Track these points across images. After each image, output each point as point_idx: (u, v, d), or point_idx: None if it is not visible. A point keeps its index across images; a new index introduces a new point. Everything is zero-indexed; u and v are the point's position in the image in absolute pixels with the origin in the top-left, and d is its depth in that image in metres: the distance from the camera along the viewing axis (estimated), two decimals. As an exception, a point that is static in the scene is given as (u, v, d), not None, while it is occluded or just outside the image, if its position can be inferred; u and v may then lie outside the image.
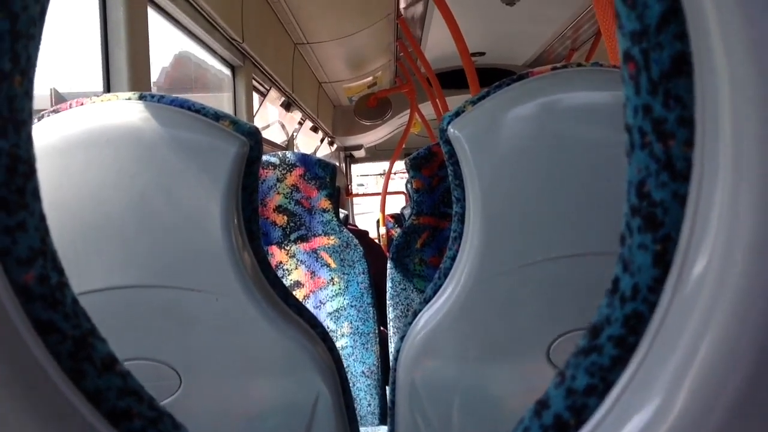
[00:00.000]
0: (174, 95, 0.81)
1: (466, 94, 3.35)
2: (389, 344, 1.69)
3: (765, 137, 0.22)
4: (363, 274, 1.63)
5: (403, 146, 5.36)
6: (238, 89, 2.72)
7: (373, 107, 5.29)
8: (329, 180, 1.62)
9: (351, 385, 1.60)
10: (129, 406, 0.32)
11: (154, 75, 1.67)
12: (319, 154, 5.40)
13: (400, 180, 9.42)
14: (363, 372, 1.61)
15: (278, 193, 1.60)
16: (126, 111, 0.78)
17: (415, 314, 0.91)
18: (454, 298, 0.86)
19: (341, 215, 1.91)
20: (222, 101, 2.76)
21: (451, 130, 0.85)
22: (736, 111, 0.22)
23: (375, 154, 7.28)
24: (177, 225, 0.77)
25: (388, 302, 1.62)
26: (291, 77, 3.62)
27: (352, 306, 1.62)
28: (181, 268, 0.78)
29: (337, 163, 6.53)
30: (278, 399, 0.84)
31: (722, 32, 0.22)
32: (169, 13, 1.92)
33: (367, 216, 8.79)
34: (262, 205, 1.61)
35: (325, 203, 1.63)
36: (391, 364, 0.98)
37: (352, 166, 7.36)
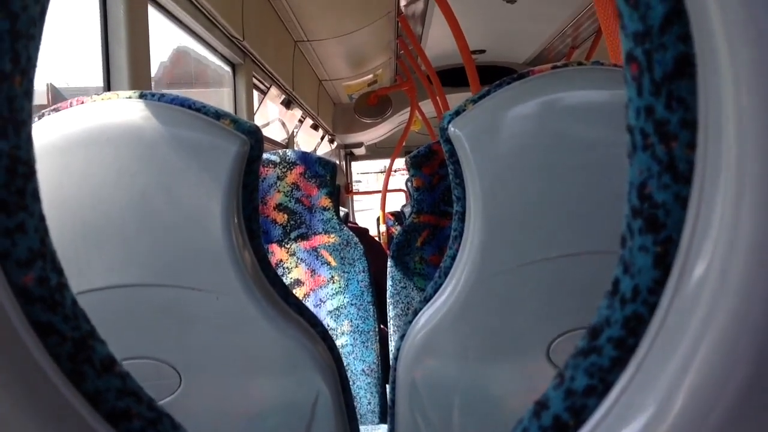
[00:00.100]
0: (174, 94, 0.81)
1: (467, 92, 3.34)
2: (389, 342, 1.69)
3: (767, 139, 0.22)
4: (363, 272, 1.63)
5: (404, 144, 5.36)
6: (238, 87, 2.72)
7: (374, 105, 5.28)
8: (329, 178, 1.62)
9: (351, 383, 1.60)
10: (128, 407, 0.32)
11: (152, 71, 1.67)
12: (320, 152, 5.40)
13: (400, 177, 9.42)
14: (363, 370, 1.61)
15: (278, 192, 1.60)
16: (126, 110, 0.78)
17: (415, 313, 0.91)
18: (454, 297, 0.86)
19: (341, 213, 1.90)
20: (222, 96, 2.76)
21: (451, 128, 0.85)
22: (740, 113, 0.22)
23: (375, 151, 7.27)
24: (177, 224, 0.77)
25: (388, 300, 1.62)
26: (291, 75, 3.61)
27: (352, 304, 1.62)
28: (182, 267, 0.78)
29: (338, 161, 6.52)
30: (278, 398, 0.84)
31: (726, 34, 0.22)
32: (169, 11, 1.92)
33: (366, 213, 8.79)
34: (262, 204, 1.61)
35: (326, 201, 1.63)
36: (391, 362, 0.98)
37: (352, 163, 7.36)
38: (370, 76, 4.99)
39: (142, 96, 0.79)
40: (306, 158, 1.61)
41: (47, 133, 0.76)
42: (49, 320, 0.29)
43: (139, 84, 1.54)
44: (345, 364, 1.55)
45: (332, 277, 1.63)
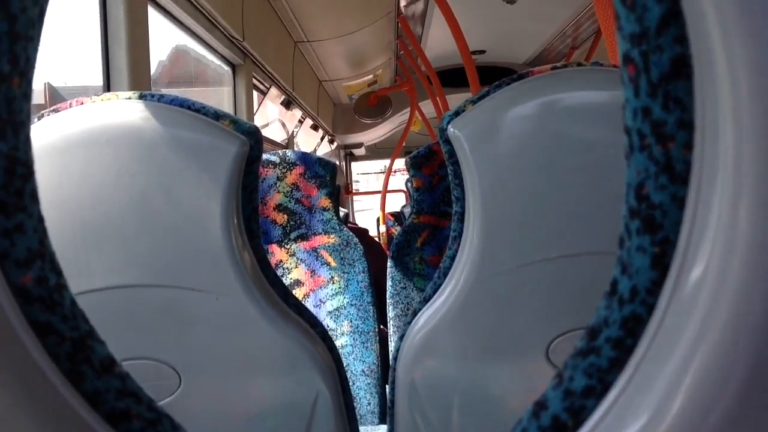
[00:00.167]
0: (174, 95, 0.81)
1: (467, 93, 3.34)
2: (389, 343, 1.69)
3: (764, 140, 0.22)
4: (363, 272, 1.63)
5: (404, 144, 5.36)
6: (238, 88, 2.72)
7: (374, 105, 5.28)
8: (329, 179, 1.62)
9: (351, 383, 1.60)
10: (128, 408, 0.32)
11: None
12: (319, 153, 5.40)
13: (400, 177, 9.41)
14: (363, 371, 1.61)
15: (278, 192, 1.60)
16: (126, 110, 0.78)
17: (415, 313, 0.91)
18: (453, 298, 0.86)
19: (341, 214, 1.91)
20: (221, 95, 2.76)
21: (450, 129, 0.85)
22: (736, 114, 0.22)
23: (375, 152, 7.27)
24: (177, 224, 0.77)
25: (388, 301, 1.62)
26: (291, 75, 3.62)
27: (352, 305, 1.62)
28: (181, 268, 0.78)
29: (337, 162, 6.52)
30: (278, 398, 0.84)
31: (722, 35, 0.22)
32: (169, 12, 1.92)
33: (366, 213, 8.78)
34: (262, 204, 1.61)
35: (325, 202, 1.63)
36: (390, 363, 0.98)
37: (351, 164, 7.36)
38: (370, 76, 4.99)
39: (141, 97, 0.80)
40: (306, 159, 1.62)
41: (47, 134, 0.76)
42: (48, 320, 0.29)
43: (139, 85, 1.54)
44: (345, 364, 1.55)
45: (332, 277, 1.63)
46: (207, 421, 0.82)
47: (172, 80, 2.58)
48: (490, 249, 0.83)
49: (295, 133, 4.34)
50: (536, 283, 0.82)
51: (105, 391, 0.31)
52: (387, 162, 5.88)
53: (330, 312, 1.62)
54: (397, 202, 6.87)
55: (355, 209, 7.51)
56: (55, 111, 0.80)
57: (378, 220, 5.53)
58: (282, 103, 3.66)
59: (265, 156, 1.57)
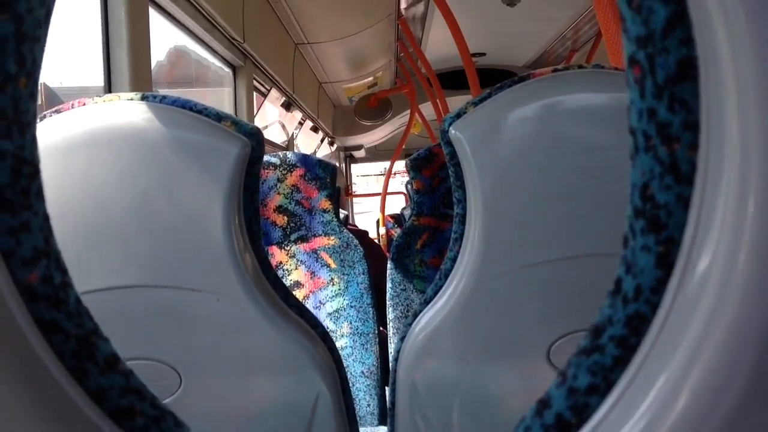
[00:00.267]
0: (176, 96, 0.81)
1: (467, 95, 3.34)
2: (389, 345, 1.69)
3: None
4: (363, 274, 1.63)
5: (404, 146, 5.36)
6: (238, 89, 2.72)
7: (374, 107, 5.29)
8: (329, 180, 1.62)
9: (351, 385, 1.60)
10: (132, 405, 0.32)
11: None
12: (319, 154, 5.40)
13: (400, 179, 9.42)
14: (362, 372, 1.61)
15: (278, 194, 1.61)
16: (128, 111, 0.78)
17: (415, 315, 0.91)
18: (454, 300, 0.86)
19: (341, 215, 1.91)
20: (221, 96, 2.76)
21: (452, 131, 0.85)
22: (742, 115, 0.22)
23: (375, 154, 7.27)
24: (178, 225, 0.77)
25: (387, 303, 1.62)
26: (291, 77, 3.62)
27: (351, 306, 1.62)
28: (183, 269, 0.78)
29: (337, 164, 6.52)
30: (278, 399, 0.84)
31: (728, 37, 0.22)
32: (170, 13, 1.92)
33: (365, 216, 8.78)
34: (262, 206, 1.61)
35: (326, 204, 1.63)
36: (390, 364, 0.98)
37: (351, 166, 7.36)
38: (370, 78, 5.00)
39: (143, 98, 0.80)
40: (306, 160, 1.62)
41: (49, 135, 0.76)
42: (53, 318, 0.29)
43: (140, 86, 1.54)
44: (345, 366, 1.55)
45: (332, 279, 1.63)
46: (207, 421, 0.82)
47: (172, 81, 2.59)
48: (491, 251, 0.83)
49: (295, 134, 4.34)
50: (537, 285, 0.82)
51: (109, 388, 0.31)
52: (386, 164, 5.88)
53: (330, 313, 1.62)
54: (397, 205, 6.88)
55: (354, 212, 7.51)
56: (58, 112, 0.80)
57: (378, 222, 5.54)
58: (282, 105, 3.66)
59: (265, 158, 1.57)
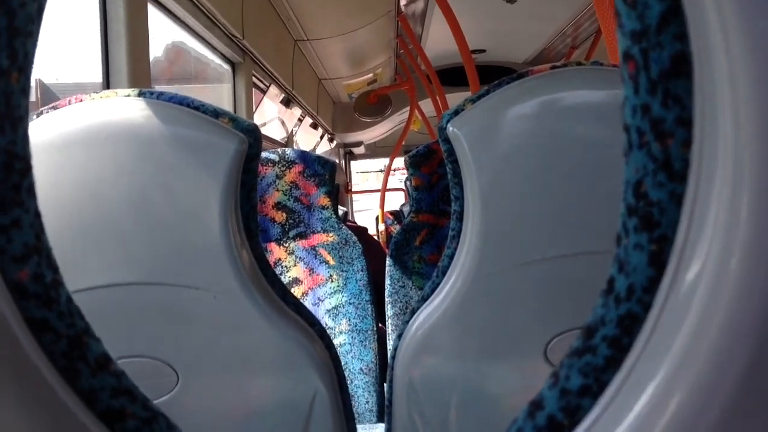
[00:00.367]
0: (173, 92, 0.81)
1: (466, 92, 3.34)
2: (387, 341, 1.69)
3: (764, 138, 0.22)
4: (362, 271, 1.63)
5: (403, 143, 5.36)
6: (238, 86, 2.72)
7: (373, 104, 5.28)
8: (328, 177, 1.62)
9: (349, 382, 1.60)
10: (123, 406, 0.32)
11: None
12: (319, 151, 5.40)
13: (400, 175, 9.40)
14: (361, 369, 1.61)
15: (277, 190, 1.60)
16: (125, 108, 0.77)
17: (413, 312, 0.91)
18: (452, 297, 0.86)
19: (341, 212, 1.91)
20: (219, 92, 2.76)
21: (450, 128, 0.85)
22: (735, 112, 0.22)
23: (375, 151, 7.27)
24: (175, 222, 0.77)
25: (386, 299, 1.62)
26: (291, 74, 3.61)
27: (350, 303, 1.62)
28: (179, 266, 0.78)
29: (337, 160, 6.52)
30: (276, 396, 0.84)
31: (722, 33, 0.22)
32: (169, 9, 1.92)
33: (365, 213, 8.77)
34: (261, 202, 1.61)
35: (324, 200, 1.63)
36: (388, 361, 0.98)
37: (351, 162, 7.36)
38: (370, 75, 4.99)
39: (141, 94, 0.79)
40: (305, 157, 1.62)
41: (46, 131, 0.76)
42: (43, 317, 0.29)
43: (139, 82, 1.54)
44: (343, 363, 1.55)
45: (331, 275, 1.63)
46: (205, 418, 0.82)
47: (171, 78, 2.58)
48: (488, 248, 0.83)
49: (294, 131, 4.34)
50: (534, 283, 0.82)
51: (100, 389, 0.31)
52: (385, 161, 5.88)
53: (328, 310, 1.62)
54: (396, 202, 6.87)
55: (354, 209, 7.51)
56: (54, 108, 0.80)
57: (377, 218, 5.53)
58: (282, 102, 3.66)
59: (264, 154, 1.57)
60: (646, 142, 0.26)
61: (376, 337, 1.63)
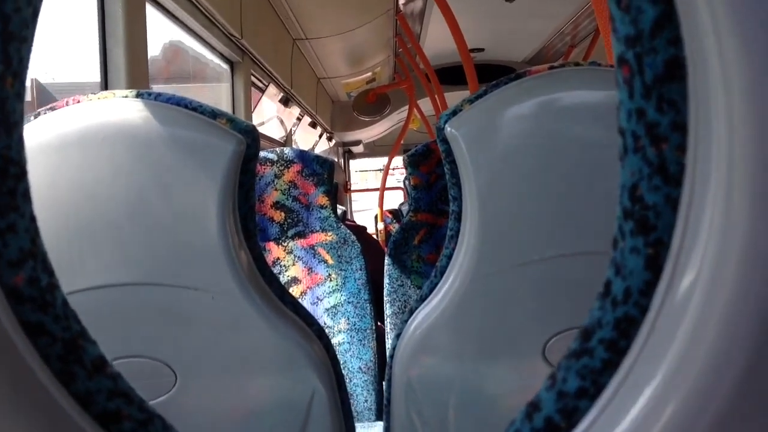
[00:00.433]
0: (171, 93, 0.81)
1: (465, 91, 3.33)
2: (386, 340, 1.69)
3: (758, 142, 0.22)
4: (360, 270, 1.63)
5: (402, 142, 5.36)
6: (236, 85, 2.72)
7: (372, 103, 5.27)
8: (327, 176, 1.62)
9: (348, 381, 1.60)
10: (119, 408, 0.32)
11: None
12: (318, 150, 5.39)
13: (399, 174, 9.40)
14: (360, 368, 1.61)
15: (276, 190, 1.60)
16: (123, 109, 0.77)
17: (411, 312, 0.91)
18: (450, 296, 0.86)
19: (339, 211, 1.91)
20: (217, 91, 2.75)
21: (448, 128, 0.85)
22: (729, 116, 0.22)
23: (373, 149, 7.26)
24: (173, 223, 0.77)
25: (385, 299, 1.62)
26: (290, 73, 3.61)
27: (349, 302, 1.62)
28: (177, 266, 0.78)
29: (336, 159, 6.52)
30: (274, 396, 0.84)
31: (716, 37, 0.22)
32: (167, 9, 1.91)
33: (364, 213, 8.76)
34: (259, 202, 1.61)
35: (323, 199, 1.63)
36: (387, 360, 0.98)
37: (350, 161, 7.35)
38: (369, 74, 4.99)
39: (138, 95, 0.79)
40: (303, 156, 1.62)
41: (43, 132, 0.76)
42: (39, 321, 0.29)
43: (137, 83, 1.53)
44: (342, 362, 1.55)
45: (329, 275, 1.63)
46: (203, 418, 0.82)
47: (168, 77, 2.58)
48: (486, 248, 0.83)
49: (293, 130, 4.34)
50: (533, 283, 0.82)
51: (96, 392, 0.31)
52: (384, 160, 5.88)
53: (327, 309, 1.62)
54: (395, 201, 6.87)
55: (353, 210, 7.50)
56: (52, 109, 0.80)
57: (376, 217, 5.53)
58: (280, 101, 3.66)
59: (262, 153, 1.57)
60: (642, 146, 0.26)
61: (374, 336, 1.64)
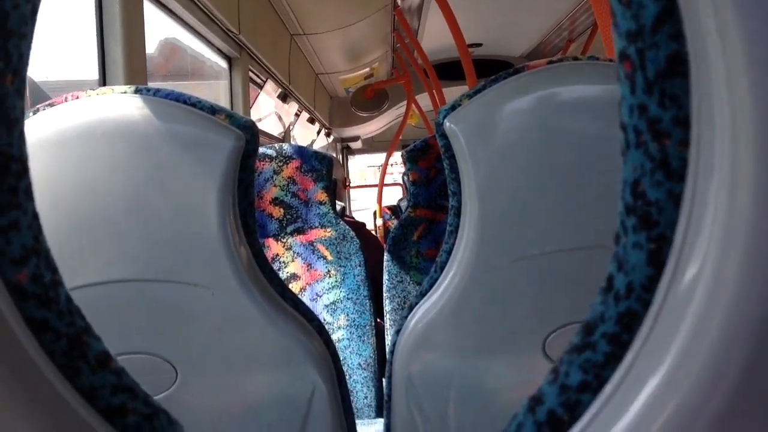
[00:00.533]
0: (170, 89, 0.81)
1: (463, 86, 3.33)
2: (386, 336, 1.69)
3: (760, 137, 0.22)
4: (359, 266, 1.63)
5: (400, 138, 5.35)
6: (234, 81, 2.71)
7: (370, 98, 5.27)
8: (326, 172, 1.62)
9: (348, 377, 1.60)
10: (124, 403, 0.32)
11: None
12: (316, 146, 5.39)
13: (397, 173, 9.37)
14: (360, 364, 1.61)
15: (275, 186, 1.60)
16: (121, 104, 0.77)
17: (411, 308, 0.91)
18: (450, 292, 0.86)
19: (338, 207, 1.91)
20: (215, 88, 2.75)
21: (447, 123, 0.85)
22: (732, 111, 0.22)
23: (372, 145, 7.25)
24: (172, 219, 0.77)
25: (384, 294, 1.62)
26: (288, 68, 3.60)
27: (348, 298, 1.62)
28: (177, 262, 0.78)
29: (334, 155, 6.51)
30: (274, 392, 0.84)
31: (718, 32, 0.22)
32: (164, 4, 1.91)
33: (363, 213, 8.74)
34: (258, 198, 1.61)
35: (322, 195, 1.63)
36: (387, 356, 0.98)
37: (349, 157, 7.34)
38: (367, 69, 4.98)
39: (137, 91, 0.79)
40: (302, 152, 1.61)
41: (42, 128, 0.76)
42: (43, 317, 0.29)
43: (135, 79, 1.53)
44: (342, 358, 1.55)
45: (328, 271, 1.63)
46: (204, 414, 0.82)
47: (166, 74, 2.57)
48: (486, 243, 0.83)
49: (291, 126, 4.33)
50: (533, 278, 0.83)
51: (101, 387, 0.31)
52: (382, 157, 5.87)
53: (327, 306, 1.63)
54: (393, 197, 6.87)
55: (352, 209, 7.49)
56: (51, 105, 0.79)
57: (374, 213, 5.53)
58: (278, 97, 3.65)
59: (261, 150, 1.57)
60: (644, 142, 0.26)
61: (374, 332, 1.64)
